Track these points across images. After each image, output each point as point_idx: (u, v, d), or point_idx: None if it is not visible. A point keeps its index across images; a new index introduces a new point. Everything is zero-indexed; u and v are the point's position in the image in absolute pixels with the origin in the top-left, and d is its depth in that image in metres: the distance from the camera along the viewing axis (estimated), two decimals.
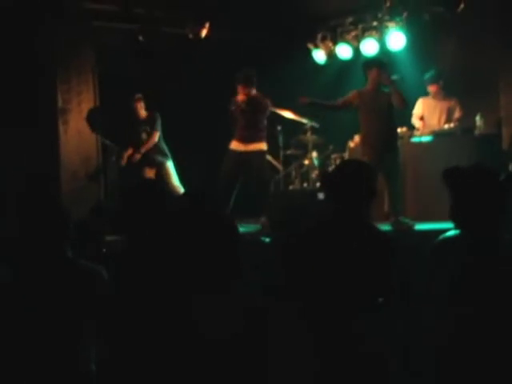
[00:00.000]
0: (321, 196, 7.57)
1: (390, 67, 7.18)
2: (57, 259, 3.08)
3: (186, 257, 2.54)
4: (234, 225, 2.63)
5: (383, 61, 7.13)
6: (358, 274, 3.08)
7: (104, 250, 4.76)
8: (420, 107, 8.40)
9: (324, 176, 3.87)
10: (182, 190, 8.04)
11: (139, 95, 8.11)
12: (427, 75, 8.31)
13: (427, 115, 8.33)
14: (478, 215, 2.86)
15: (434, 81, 8.26)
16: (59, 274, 3.05)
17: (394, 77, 6.97)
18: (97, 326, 3.02)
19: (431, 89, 8.32)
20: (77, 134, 7.95)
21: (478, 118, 7.94)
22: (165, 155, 8.20)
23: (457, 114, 8.28)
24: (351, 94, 7.09)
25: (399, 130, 7.69)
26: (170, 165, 8.19)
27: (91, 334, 3.05)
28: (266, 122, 7.71)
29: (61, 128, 7.84)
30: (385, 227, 6.65)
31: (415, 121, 8.39)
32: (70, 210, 3.23)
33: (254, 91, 7.60)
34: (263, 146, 7.67)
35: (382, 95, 6.89)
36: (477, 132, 7.94)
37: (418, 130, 8.21)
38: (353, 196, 3.22)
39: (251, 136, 7.58)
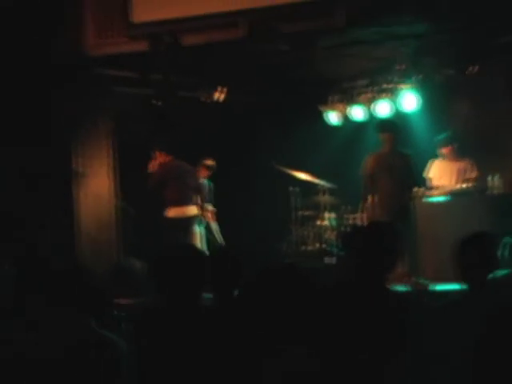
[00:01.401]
0: (327, 260, 7.59)
1: (403, 130, 7.23)
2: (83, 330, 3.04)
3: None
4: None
5: (397, 124, 7.17)
6: (374, 334, 3.06)
7: (115, 312, 4.73)
8: (434, 170, 8.38)
9: (347, 237, 3.88)
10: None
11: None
12: (440, 137, 8.35)
13: (441, 177, 8.33)
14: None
15: (447, 143, 8.28)
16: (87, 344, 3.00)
17: None
18: None
19: (445, 151, 8.32)
20: (95, 197, 8.00)
21: (494, 178, 7.93)
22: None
23: (473, 174, 8.25)
24: (368, 163, 7.12)
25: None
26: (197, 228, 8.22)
27: None
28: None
29: (77, 192, 7.89)
30: (399, 287, 6.68)
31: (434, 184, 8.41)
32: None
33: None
34: None
35: (397, 157, 6.95)
36: (494, 192, 7.91)
37: (434, 189, 8.20)
38: (380, 258, 3.20)
39: None
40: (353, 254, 3.41)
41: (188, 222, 8.09)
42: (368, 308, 3.13)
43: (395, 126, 7.14)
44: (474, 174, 8.26)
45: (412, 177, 7.17)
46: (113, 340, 3.05)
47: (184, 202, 8.08)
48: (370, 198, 8.37)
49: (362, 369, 3.00)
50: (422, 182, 8.06)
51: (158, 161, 8.06)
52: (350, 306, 3.16)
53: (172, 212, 8.02)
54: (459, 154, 8.38)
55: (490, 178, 7.91)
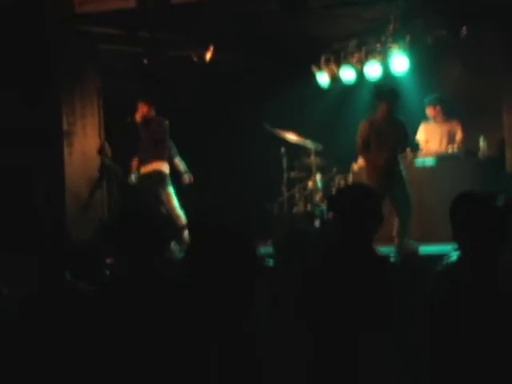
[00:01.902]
0: (317, 223, 7.62)
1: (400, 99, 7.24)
2: (57, 283, 3.07)
3: (207, 286, 2.48)
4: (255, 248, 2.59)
5: (394, 91, 7.18)
6: (362, 299, 3.07)
7: (107, 271, 4.75)
8: (423, 132, 8.44)
9: (331, 200, 3.85)
10: (181, 211, 7.95)
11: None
12: (427, 99, 8.38)
13: (430, 139, 8.37)
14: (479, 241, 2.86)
15: (431, 104, 8.32)
16: (57, 298, 3.03)
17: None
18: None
19: (429, 112, 8.39)
20: (81, 156, 7.98)
21: (481, 140, 7.96)
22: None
23: (458, 136, 8.32)
24: (363, 128, 7.18)
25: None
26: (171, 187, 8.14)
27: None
28: None
29: (65, 150, 7.87)
30: (389, 249, 6.71)
31: (423, 146, 8.43)
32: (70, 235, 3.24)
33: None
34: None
35: (391, 125, 7.00)
36: (480, 154, 7.96)
37: (421, 151, 8.24)
38: (362, 221, 3.20)
39: None
40: (336, 216, 3.40)
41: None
42: (354, 271, 3.14)
43: (391, 93, 7.12)
44: (459, 136, 8.31)
45: (404, 143, 7.21)
46: (86, 291, 3.08)
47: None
48: (358, 162, 8.41)
49: (350, 336, 3.02)
50: (414, 147, 8.09)
51: (140, 112, 7.95)
52: (335, 270, 3.16)
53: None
54: (447, 115, 8.40)
55: (481, 140, 7.94)
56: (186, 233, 7.63)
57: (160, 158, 7.95)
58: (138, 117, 7.96)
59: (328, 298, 3.08)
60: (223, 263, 2.47)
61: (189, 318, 2.59)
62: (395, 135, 7.04)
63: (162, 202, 7.80)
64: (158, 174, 7.91)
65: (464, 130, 8.33)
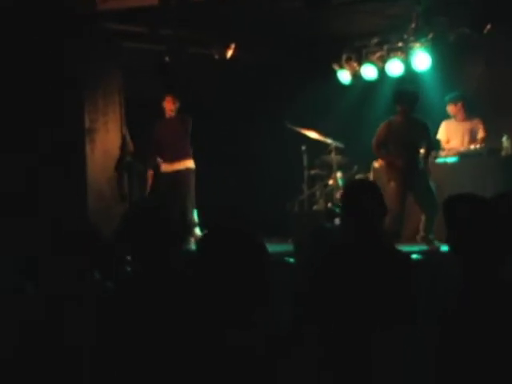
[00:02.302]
0: (337, 221, 7.62)
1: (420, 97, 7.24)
2: (88, 281, 3.08)
3: (215, 284, 2.48)
4: (263, 244, 2.59)
5: (415, 95, 7.19)
6: (379, 296, 3.06)
7: (128, 269, 4.78)
8: (444, 131, 8.37)
9: (341, 197, 3.85)
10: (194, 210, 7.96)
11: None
12: (447, 96, 8.33)
13: (451, 137, 8.30)
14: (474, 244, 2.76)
15: (452, 101, 8.27)
16: (92, 297, 3.04)
17: None
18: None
19: (450, 109, 8.32)
20: (103, 153, 8.03)
21: (504, 139, 7.89)
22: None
23: (480, 134, 8.25)
24: (381, 129, 7.29)
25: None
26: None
27: None
28: None
29: (87, 147, 7.92)
30: (414, 248, 6.79)
31: (444, 145, 8.37)
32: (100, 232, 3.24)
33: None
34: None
35: (411, 125, 7.01)
36: (503, 153, 7.89)
37: (442, 151, 8.19)
38: (366, 216, 3.20)
39: None
40: (347, 214, 3.40)
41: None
42: (366, 269, 3.13)
43: (412, 96, 7.15)
44: (481, 134, 8.24)
45: (426, 144, 7.25)
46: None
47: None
48: (379, 160, 8.39)
49: (365, 333, 3.01)
50: (437, 147, 8.04)
51: (167, 107, 7.96)
52: (347, 269, 3.15)
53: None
54: (468, 113, 8.34)
55: (504, 139, 7.87)
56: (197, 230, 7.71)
57: (189, 154, 8.00)
58: (167, 112, 7.95)
59: (344, 294, 3.08)
60: (229, 261, 2.47)
61: (198, 313, 2.61)
62: (416, 136, 7.09)
63: (182, 198, 7.82)
64: (189, 172, 7.95)
65: (486, 129, 8.26)
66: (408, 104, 7.08)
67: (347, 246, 3.28)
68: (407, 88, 7.55)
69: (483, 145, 8.03)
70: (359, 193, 3.30)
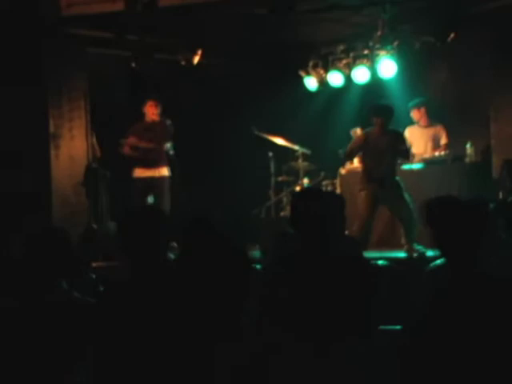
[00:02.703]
0: None
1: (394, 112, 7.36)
2: (53, 292, 3.03)
3: (203, 289, 2.48)
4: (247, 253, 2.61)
5: (389, 108, 7.28)
6: (325, 305, 3.06)
7: (93, 275, 4.73)
8: (407, 137, 8.46)
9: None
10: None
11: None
12: (411, 102, 8.44)
13: (414, 143, 8.39)
14: (459, 246, 2.86)
15: (416, 106, 8.39)
16: (55, 309, 2.99)
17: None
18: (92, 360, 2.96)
19: (414, 115, 8.47)
20: (68, 159, 7.94)
21: (468, 146, 8.00)
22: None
23: (443, 141, 8.39)
24: (358, 140, 7.42)
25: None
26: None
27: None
28: None
29: (52, 153, 7.83)
30: (400, 254, 6.94)
31: None
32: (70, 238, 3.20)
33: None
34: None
35: (385, 137, 7.10)
36: (467, 160, 8.01)
37: (413, 158, 8.27)
38: (312, 224, 3.20)
39: None
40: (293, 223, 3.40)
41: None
42: (310, 278, 3.12)
43: (386, 110, 7.23)
44: (444, 141, 8.37)
45: (401, 153, 7.34)
46: (83, 301, 3.05)
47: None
48: (346, 167, 8.46)
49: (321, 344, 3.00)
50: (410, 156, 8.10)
51: (150, 111, 7.87)
52: (292, 278, 3.14)
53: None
54: (431, 119, 8.46)
55: (468, 146, 7.98)
56: None
57: (165, 161, 7.98)
58: (150, 116, 7.87)
59: (292, 304, 3.07)
60: (216, 264, 2.48)
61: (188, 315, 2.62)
62: (392, 147, 7.17)
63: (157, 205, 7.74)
64: (164, 179, 7.92)
65: (448, 135, 8.38)
66: (384, 116, 7.16)
67: (294, 255, 3.28)
68: (383, 102, 7.62)
69: (447, 151, 8.13)
70: (306, 201, 3.29)
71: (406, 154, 7.50)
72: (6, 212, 7.19)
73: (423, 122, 8.45)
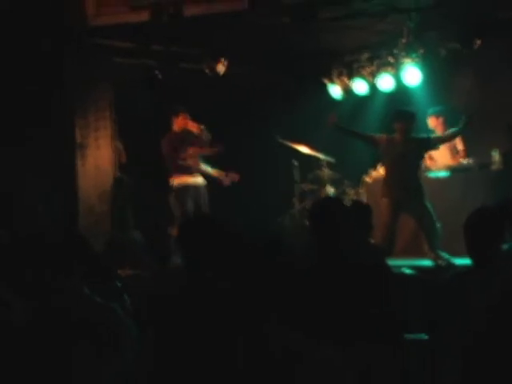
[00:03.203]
0: None
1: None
2: (75, 296, 3.05)
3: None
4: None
5: (412, 114, 7.20)
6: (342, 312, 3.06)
7: (118, 283, 4.74)
8: None
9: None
10: None
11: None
12: (430, 110, 8.34)
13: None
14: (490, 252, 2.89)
15: (434, 114, 8.28)
16: (77, 312, 3.01)
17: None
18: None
19: (430, 122, 8.31)
20: (94, 168, 8.01)
21: (494, 154, 7.91)
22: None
23: (460, 147, 8.25)
24: (380, 137, 7.26)
25: None
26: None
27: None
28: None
29: (78, 163, 7.90)
30: (426, 262, 6.88)
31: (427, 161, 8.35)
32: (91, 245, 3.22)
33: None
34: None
35: (409, 143, 7.02)
36: (494, 167, 7.92)
37: (429, 165, 8.20)
38: (335, 234, 3.21)
39: None
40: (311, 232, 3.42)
41: None
42: (331, 285, 3.14)
43: (408, 115, 7.16)
44: (461, 147, 8.26)
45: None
46: (106, 307, 3.06)
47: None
48: (371, 175, 8.41)
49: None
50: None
51: (182, 123, 7.93)
52: (316, 286, 3.16)
53: None
54: (447, 127, 8.35)
55: (494, 153, 7.90)
56: None
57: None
58: (179, 127, 7.90)
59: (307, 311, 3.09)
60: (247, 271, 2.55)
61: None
62: (414, 154, 7.09)
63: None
64: (205, 186, 8.00)
65: (464, 141, 8.25)
66: (405, 122, 7.08)
67: (309, 265, 3.29)
68: (405, 108, 7.55)
69: (472, 159, 8.03)
70: (323, 210, 3.30)
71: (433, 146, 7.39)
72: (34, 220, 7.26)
73: (439, 130, 8.33)
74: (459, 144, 8.28)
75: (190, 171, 7.89)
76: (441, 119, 8.28)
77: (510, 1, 7.26)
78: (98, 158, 8.03)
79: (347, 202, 8.29)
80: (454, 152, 8.29)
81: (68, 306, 3.00)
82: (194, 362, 2.77)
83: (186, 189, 7.83)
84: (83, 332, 2.95)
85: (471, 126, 8.03)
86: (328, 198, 7.30)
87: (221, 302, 2.84)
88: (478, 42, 7.72)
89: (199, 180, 7.96)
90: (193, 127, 7.91)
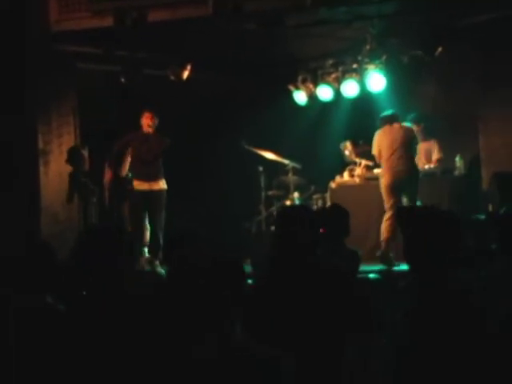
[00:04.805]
0: None
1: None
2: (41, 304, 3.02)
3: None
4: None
5: (393, 115, 7.52)
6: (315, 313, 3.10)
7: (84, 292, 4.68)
8: None
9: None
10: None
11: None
12: (409, 117, 8.43)
13: None
14: (428, 257, 2.75)
15: (415, 121, 8.38)
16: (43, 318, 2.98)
17: None
18: None
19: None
20: (57, 175, 7.90)
21: (457, 159, 8.04)
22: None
23: (436, 155, 8.40)
24: (377, 141, 7.57)
25: (381, 170, 7.79)
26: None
27: None
28: None
29: (41, 170, 7.79)
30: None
31: None
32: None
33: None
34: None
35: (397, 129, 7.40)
36: (457, 172, 8.04)
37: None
38: (293, 235, 3.26)
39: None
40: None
41: None
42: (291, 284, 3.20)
43: (390, 118, 7.34)
44: (436, 156, 8.38)
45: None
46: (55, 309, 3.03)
47: None
48: (336, 180, 8.47)
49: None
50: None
51: (146, 122, 7.72)
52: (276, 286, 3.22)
53: None
54: (426, 134, 8.47)
55: (457, 159, 8.02)
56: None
57: (163, 174, 7.86)
58: (145, 127, 7.74)
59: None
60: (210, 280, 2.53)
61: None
62: (406, 136, 7.48)
63: (157, 218, 7.70)
64: (163, 193, 7.81)
65: (441, 151, 8.39)
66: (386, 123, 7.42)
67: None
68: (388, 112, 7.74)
69: (437, 164, 8.16)
70: (286, 218, 3.36)
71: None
72: None
73: (419, 137, 8.42)
74: (436, 153, 8.38)
75: (142, 176, 7.78)
76: (421, 126, 8.38)
77: (468, 9, 7.38)
78: (62, 164, 7.92)
79: (318, 207, 8.36)
80: (428, 159, 8.39)
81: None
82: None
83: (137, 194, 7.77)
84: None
85: (436, 132, 8.20)
86: (294, 204, 7.34)
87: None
88: (439, 49, 7.83)
89: (154, 185, 7.80)
90: (148, 128, 7.71)
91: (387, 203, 7.26)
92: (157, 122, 7.76)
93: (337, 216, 4.58)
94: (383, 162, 7.48)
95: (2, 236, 6.82)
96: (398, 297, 2.95)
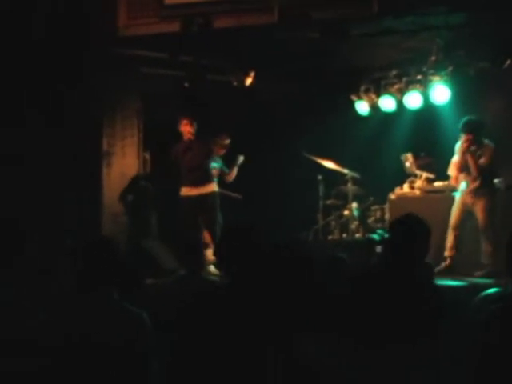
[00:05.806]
0: (378, 249, 7.50)
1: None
2: (105, 301, 3.07)
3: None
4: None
5: (478, 124, 7.28)
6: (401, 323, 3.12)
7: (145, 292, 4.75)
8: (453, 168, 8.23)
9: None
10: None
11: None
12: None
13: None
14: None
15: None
16: (106, 317, 3.02)
17: None
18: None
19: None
20: (120, 177, 8.05)
21: None
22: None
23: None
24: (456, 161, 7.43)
25: (442, 183, 7.66)
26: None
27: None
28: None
29: (104, 171, 7.95)
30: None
31: (451, 171, 8.16)
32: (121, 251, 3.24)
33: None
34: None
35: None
36: None
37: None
38: (411, 248, 3.32)
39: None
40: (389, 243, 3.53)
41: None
42: (396, 298, 3.20)
43: (475, 127, 7.19)
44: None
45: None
46: (135, 312, 3.08)
47: None
48: (396, 192, 8.34)
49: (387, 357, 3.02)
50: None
51: (185, 130, 7.68)
52: (378, 295, 3.23)
53: None
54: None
55: None
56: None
57: (212, 177, 7.86)
58: (186, 135, 7.69)
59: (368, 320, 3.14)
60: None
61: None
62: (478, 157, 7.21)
63: (211, 222, 7.70)
64: (215, 195, 7.81)
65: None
66: (475, 132, 7.14)
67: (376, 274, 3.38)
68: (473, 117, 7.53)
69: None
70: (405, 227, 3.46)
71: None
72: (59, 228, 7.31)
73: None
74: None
75: (190, 182, 7.75)
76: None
77: None
78: (124, 166, 8.07)
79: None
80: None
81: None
82: (222, 373, 2.79)
83: (186, 200, 7.74)
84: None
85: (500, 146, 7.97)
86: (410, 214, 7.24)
87: (252, 311, 2.86)
88: (508, 61, 7.66)
89: (202, 190, 7.78)
90: (189, 135, 7.66)
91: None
92: (196, 127, 7.70)
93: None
94: None
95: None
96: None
